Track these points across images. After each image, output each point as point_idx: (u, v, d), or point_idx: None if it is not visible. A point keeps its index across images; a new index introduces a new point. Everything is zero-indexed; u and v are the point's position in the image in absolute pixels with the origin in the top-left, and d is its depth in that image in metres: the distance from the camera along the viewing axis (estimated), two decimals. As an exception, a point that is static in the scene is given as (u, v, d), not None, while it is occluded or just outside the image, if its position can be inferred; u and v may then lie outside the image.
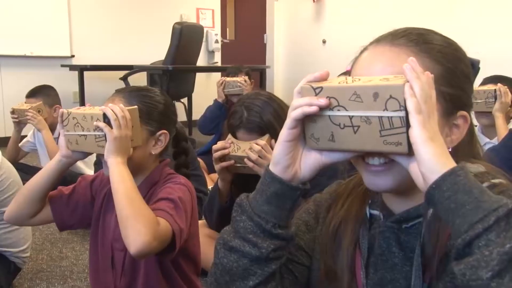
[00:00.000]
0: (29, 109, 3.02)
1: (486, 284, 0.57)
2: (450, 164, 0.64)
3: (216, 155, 1.80)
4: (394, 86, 0.66)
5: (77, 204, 1.43)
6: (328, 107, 0.70)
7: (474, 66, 0.84)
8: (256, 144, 1.74)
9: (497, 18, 4.72)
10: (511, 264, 0.57)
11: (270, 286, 0.80)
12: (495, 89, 2.41)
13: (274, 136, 1.82)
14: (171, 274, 1.38)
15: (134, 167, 1.32)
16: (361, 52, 0.83)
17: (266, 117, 1.82)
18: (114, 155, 1.24)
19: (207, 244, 2.03)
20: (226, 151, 1.79)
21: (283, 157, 0.75)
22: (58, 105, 3.22)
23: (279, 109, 1.87)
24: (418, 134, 0.64)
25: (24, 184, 2.14)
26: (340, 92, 0.69)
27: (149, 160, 1.39)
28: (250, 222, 0.77)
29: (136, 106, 1.31)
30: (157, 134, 1.37)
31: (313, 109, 0.70)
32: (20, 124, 3.14)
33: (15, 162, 3.23)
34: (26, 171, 3.33)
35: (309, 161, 0.76)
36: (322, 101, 0.69)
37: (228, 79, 3.59)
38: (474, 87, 0.92)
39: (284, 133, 0.74)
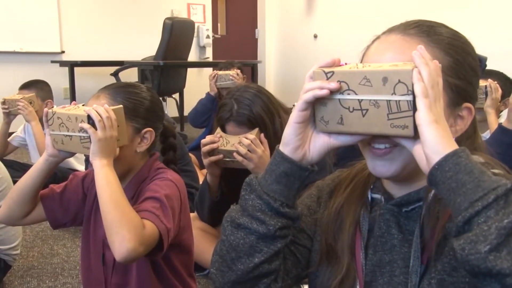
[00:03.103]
0: (21, 99, 3.01)
1: (484, 258, 0.59)
2: (453, 146, 0.67)
3: (204, 149, 1.79)
4: (403, 71, 0.69)
5: (69, 201, 1.42)
6: (339, 90, 0.73)
7: (481, 62, 0.87)
8: (246, 138, 1.73)
9: (471, 11, 4.75)
10: (509, 238, 0.59)
11: (274, 264, 0.83)
12: (485, 85, 2.42)
13: (263, 129, 1.82)
14: (161, 270, 1.38)
15: (122, 166, 1.31)
16: (373, 41, 0.86)
17: (256, 110, 1.82)
18: (99, 157, 1.22)
19: (199, 236, 2.04)
20: (215, 145, 1.78)
21: (293, 138, 0.78)
22: (50, 100, 3.23)
23: (269, 102, 1.87)
24: (424, 116, 0.67)
25: (14, 181, 2.15)
26: (350, 77, 0.72)
27: (136, 158, 1.37)
28: (258, 201, 0.80)
29: (121, 106, 1.29)
30: (142, 132, 1.35)
31: (324, 92, 0.73)
32: (9, 115, 3.11)
33: (2, 156, 3.24)
34: (17, 168, 3.32)
35: (318, 143, 0.79)
36: (333, 85, 0.72)
37: (220, 72, 3.58)
38: None
39: (295, 114, 0.77)
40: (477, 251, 0.59)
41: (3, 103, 3.07)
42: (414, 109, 0.68)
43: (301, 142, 0.79)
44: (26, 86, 3.20)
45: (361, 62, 0.84)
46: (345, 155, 0.83)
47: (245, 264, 0.81)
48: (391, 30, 0.84)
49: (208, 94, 3.64)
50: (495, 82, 2.44)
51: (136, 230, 1.13)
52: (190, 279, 1.47)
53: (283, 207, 0.80)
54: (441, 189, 0.66)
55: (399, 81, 0.68)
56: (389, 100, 0.69)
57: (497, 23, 4.67)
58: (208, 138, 1.81)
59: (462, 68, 0.80)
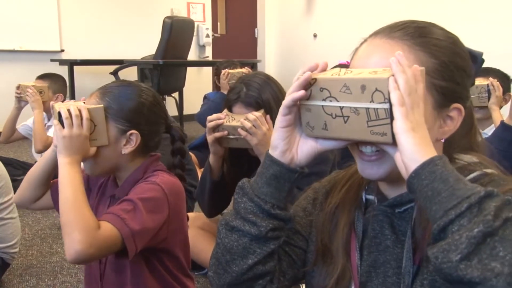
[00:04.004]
0: (31, 86, 3.10)
1: (455, 266, 0.60)
2: (430, 153, 0.67)
3: (210, 125, 1.79)
4: (379, 79, 0.69)
5: None
6: (310, 87, 0.75)
7: (477, 58, 0.86)
8: (252, 114, 1.74)
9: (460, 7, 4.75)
10: (479, 247, 0.59)
11: (269, 266, 0.85)
12: (487, 84, 2.45)
13: (269, 114, 1.82)
14: (156, 269, 1.37)
15: (104, 167, 1.31)
16: (361, 43, 0.86)
17: (264, 94, 1.83)
18: (63, 154, 1.21)
19: (198, 235, 2.04)
20: (220, 121, 1.78)
21: (280, 142, 0.80)
22: (61, 94, 3.30)
23: (277, 90, 1.89)
24: (400, 125, 0.67)
25: (13, 179, 2.17)
26: (332, 84, 0.74)
27: (122, 159, 1.33)
28: (250, 203, 0.82)
29: (101, 105, 1.27)
30: (128, 134, 1.31)
31: (301, 93, 0.75)
32: (20, 101, 3.18)
33: (8, 142, 3.35)
34: (16, 167, 3.35)
35: (305, 147, 0.81)
36: (303, 77, 0.74)
37: (231, 71, 3.59)
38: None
39: (279, 119, 0.80)
40: (449, 259, 0.61)
41: (18, 88, 3.15)
42: (392, 116, 0.69)
43: (289, 146, 0.81)
44: (42, 76, 3.31)
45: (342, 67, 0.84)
46: (346, 153, 0.83)
47: (239, 266, 0.83)
48: (377, 33, 0.83)
49: (220, 92, 3.64)
50: (495, 79, 2.46)
51: (87, 232, 1.12)
52: (187, 279, 1.46)
53: (274, 208, 0.82)
54: (419, 196, 0.67)
55: (376, 89, 0.69)
56: (368, 108, 0.70)
57: (496, 23, 4.67)
58: (215, 115, 1.81)
59: (448, 70, 0.79)
